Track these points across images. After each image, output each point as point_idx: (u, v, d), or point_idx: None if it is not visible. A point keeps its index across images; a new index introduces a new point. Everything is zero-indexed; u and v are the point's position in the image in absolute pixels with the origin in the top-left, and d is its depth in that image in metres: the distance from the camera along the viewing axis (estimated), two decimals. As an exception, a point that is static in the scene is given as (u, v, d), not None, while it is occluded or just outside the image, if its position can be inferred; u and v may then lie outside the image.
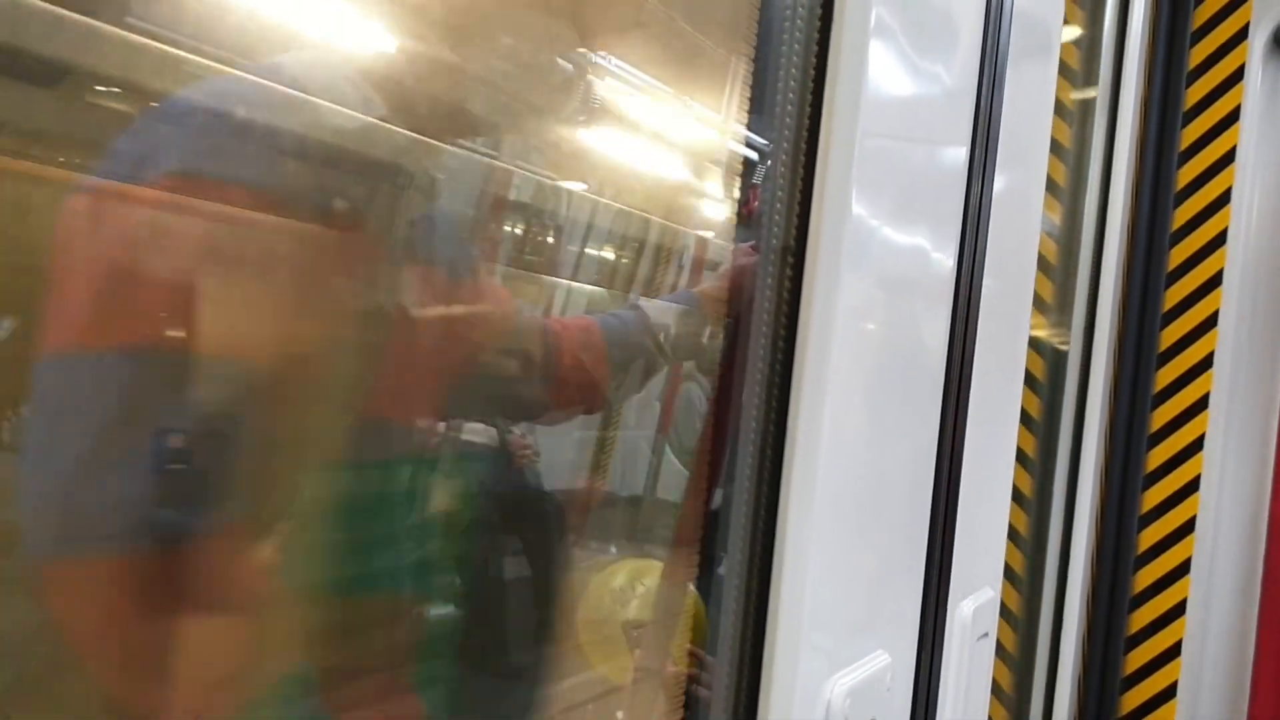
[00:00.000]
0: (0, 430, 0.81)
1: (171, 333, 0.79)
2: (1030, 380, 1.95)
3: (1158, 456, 2.05)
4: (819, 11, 0.78)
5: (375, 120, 0.92)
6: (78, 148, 0.83)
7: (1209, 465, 2.02)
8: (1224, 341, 2.02)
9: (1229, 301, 2.02)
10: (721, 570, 0.82)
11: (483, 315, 1.09)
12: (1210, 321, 2.02)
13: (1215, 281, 2.02)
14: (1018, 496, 1.94)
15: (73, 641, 0.79)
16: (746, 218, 1.06)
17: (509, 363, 1.13)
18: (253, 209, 0.82)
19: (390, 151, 0.94)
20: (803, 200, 0.78)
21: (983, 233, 1.03)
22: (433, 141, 0.97)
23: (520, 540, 1.10)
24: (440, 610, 1.04)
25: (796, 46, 0.78)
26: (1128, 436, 2.02)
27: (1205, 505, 2.02)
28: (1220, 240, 2.02)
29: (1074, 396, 2.01)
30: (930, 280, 0.97)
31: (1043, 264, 1.71)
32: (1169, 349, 2.05)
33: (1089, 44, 1.98)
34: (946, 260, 0.99)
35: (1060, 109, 1.74)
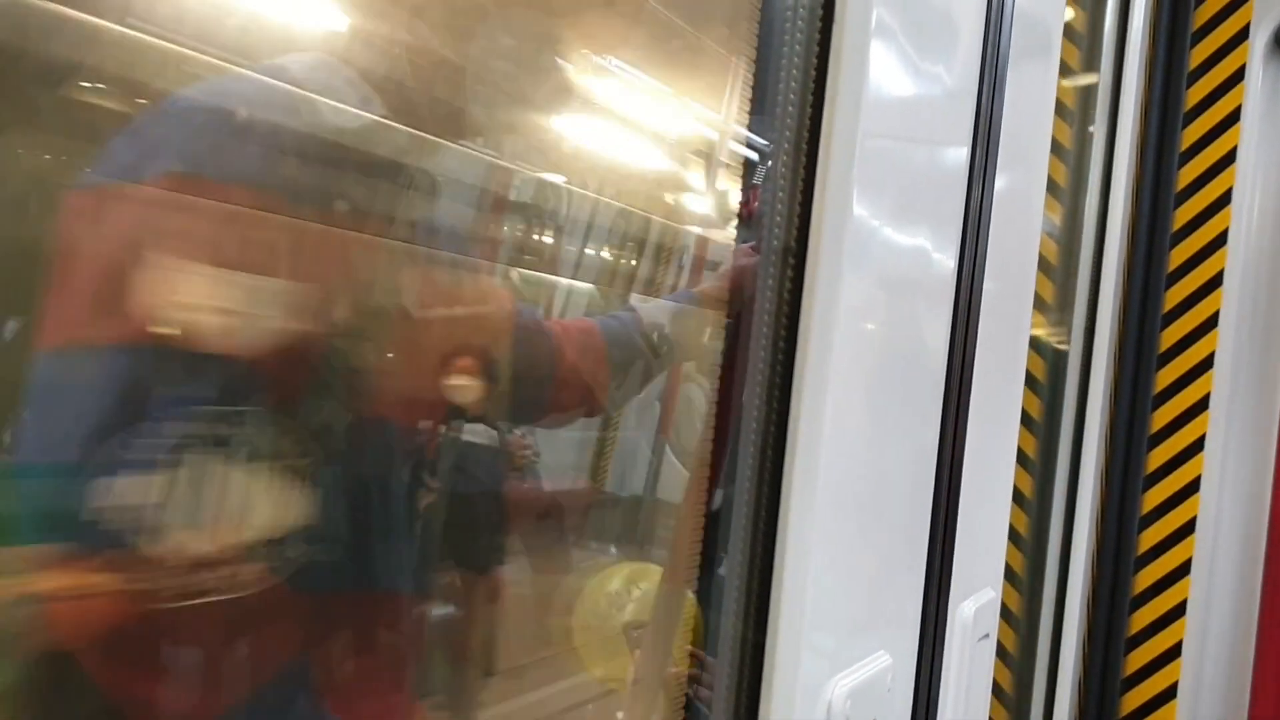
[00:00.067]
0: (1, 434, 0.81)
1: (169, 327, 0.79)
2: (1031, 381, 1.95)
3: (1158, 457, 2.05)
4: (820, 12, 0.78)
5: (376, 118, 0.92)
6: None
7: (1209, 466, 2.02)
8: (1225, 342, 2.02)
9: (1230, 302, 2.02)
10: (722, 571, 0.82)
11: (485, 316, 1.09)
12: (1211, 322, 2.02)
13: (1216, 282, 2.02)
14: (1018, 497, 1.94)
15: (67, 638, 0.79)
16: (747, 218, 1.06)
17: (511, 364, 1.12)
18: (251, 206, 0.82)
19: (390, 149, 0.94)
20: (804, 201, 0.78)
21: (984, 233, 1.03)
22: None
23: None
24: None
25: (797, 47, 0.78)
26: (1128, 437, 2.02)
27: (1206, 506, 2.02)
28: (1221, 241, 2.02)
29: (1074, 397, 2.01)
30: (931, 281, 0.97)
31: (1043, 264, 1.71)
32: (1169, 349, 2.05)
33: (1089, 44, 1.98)
34: (947, 261, 0.99)
35: (1061, 109, 1.74)
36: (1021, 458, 1.95)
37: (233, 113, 0.85)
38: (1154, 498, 2.05)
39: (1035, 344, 1.95)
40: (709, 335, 1.27)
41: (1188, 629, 2.01)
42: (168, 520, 0.81)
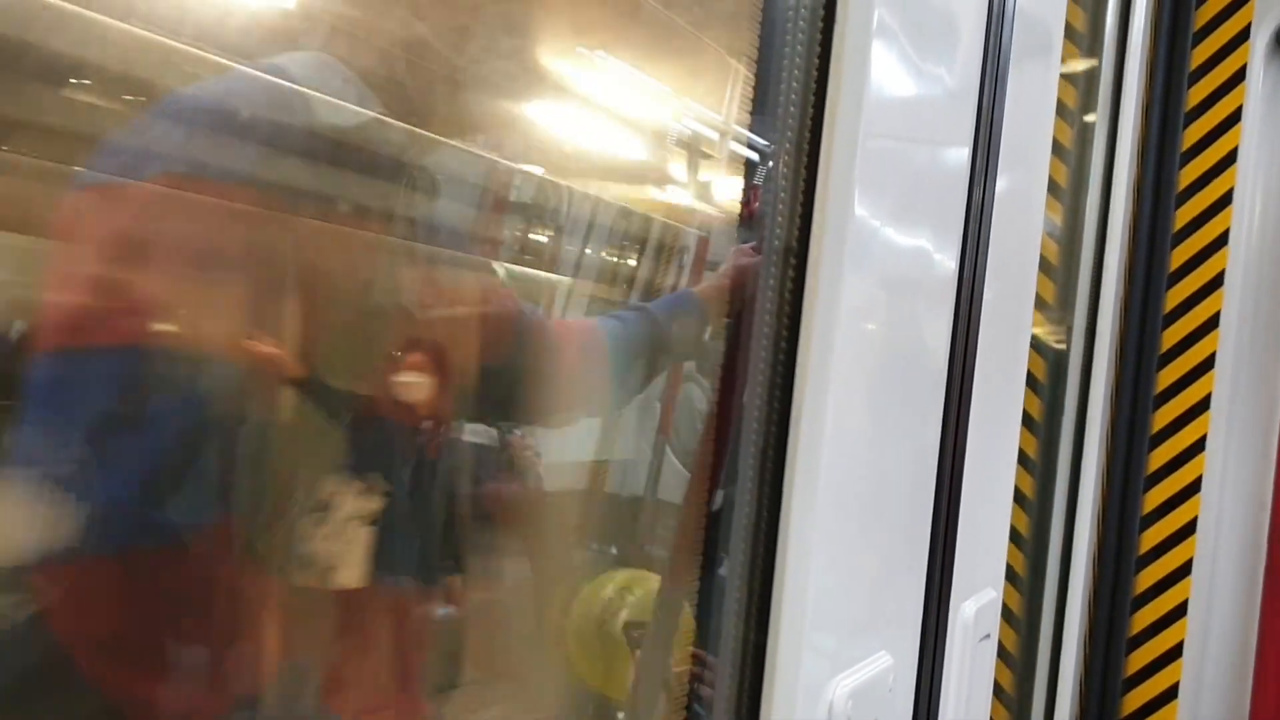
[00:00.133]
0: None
1: (167, 329, 0.79)
2: (1032, 381, 1.95)
3: (1159, 457, 2.05)
4: (821, 13, 0.78)
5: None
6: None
7: (1210, 466, 2.02)
8: (1225, 342, 2.02)
9: (1230, 302, 2.02)
10: (723, 571, 0.82)
11: (487, 315, 1.09)
12: (1212, 322, 2.02)
13: (1217, 282, 2.02)
14: (1019, 497, 1.94)
15: (68, 639, 0.79)
16: (748, 218, 1.06)
17: (512, 363, 1.12)
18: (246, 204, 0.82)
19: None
20: (805, 201, 0.78)
21: (985, 233, 1.03)
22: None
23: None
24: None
25: (799, 48, 0.78)
26: (1129, 437, 2.02)
27: (1207, 506, 2.02)
28: (1222, 241, 2.02)
29: (1075, 397, 2.01)
30: (932, 281, 0.97)
31: (1044, 265, 1.71)
32: (1170, 350, 2.05)
33: (1090, 45, 1.98)
34: (948, 261, 0.99)
35: (1062, 110, 1.74)
36: (1022, 458, 1.95)
37: (230, 112, 0.84)
38: (1155, 498, 2.05)
39: (1036, 344, 1.95)
40: (710, 335, 1.27)
41: (1189, 629, 2.01)
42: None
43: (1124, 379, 2.02)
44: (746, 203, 1.05)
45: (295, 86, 0.87)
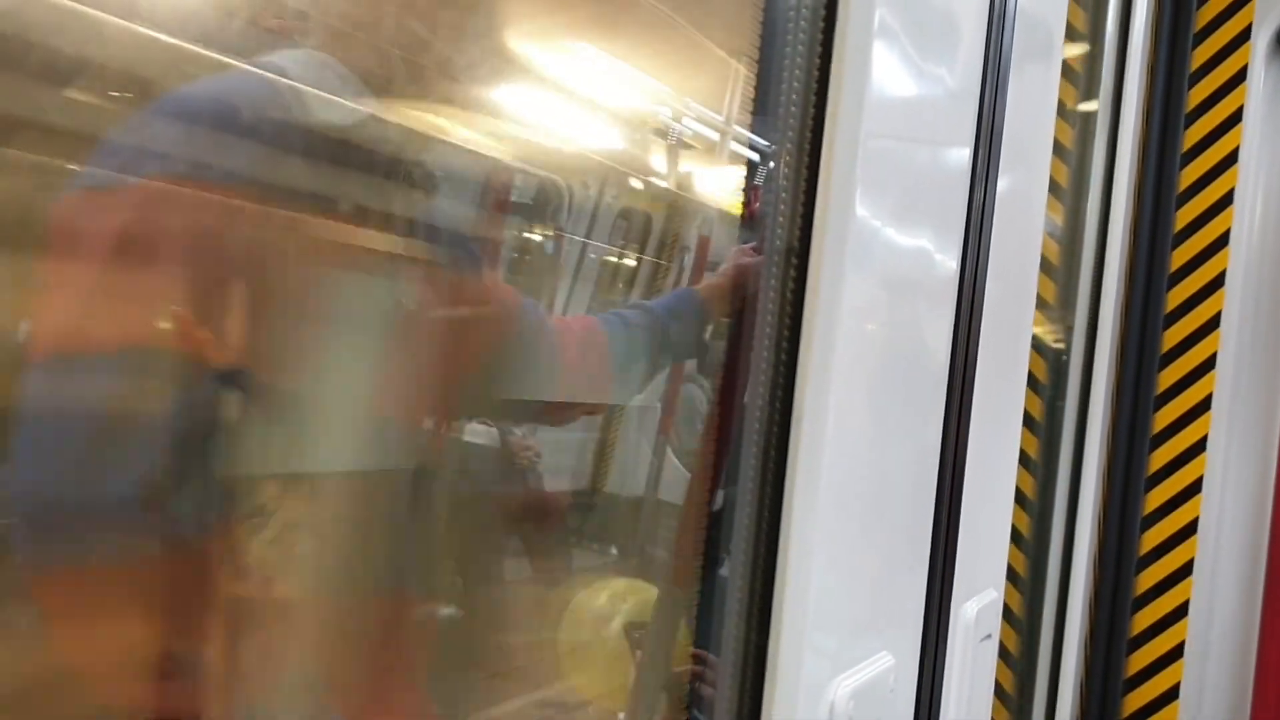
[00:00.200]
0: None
1: (164, 333, 0.78)
2: (1032, 381, 1.95)
3: (1160, 458, 2.05)
4: (822, 13, 0.78)
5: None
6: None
7: (1211, 466, 2.02)
8: (1226, 343, 2.02)
9: (1231, 303, 2.02)
10: (724, 571, 0.82)
11: (489, 313, 1.08)
12: (1213, 323, 2.02)
13: (1218, 283, 2.02)
14: (1020, 498, 1.94)
15: (65, 648, 0.79)
16: (749, 219, 1.06)
17: (514, 361, 1.12)
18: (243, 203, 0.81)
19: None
20: (806, 201, 0.78)
21: (986, 234, 1.03)
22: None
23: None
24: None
25: (800, 48, 0.78)
26: (1130, 438, 2.02)
27: (1208, 506, 2.02)
28: (1223, 241, 2.02)
29: (1076, 398, 2.01)
30: (933, 282, 0.97)
31: (1045, 265, 1.71)
32: (1171, 350, 2.05)
33: (1091, 45, 1.98)
34: (950, 262, 0.99)
35: (1063, 110, 1.74)
36: (1023, 458, 1.94)
37: (227, 113, 0.84)
38: (1156, 498, 2.05)
39: (1037, 344, 1.95)
40: (711, 334, 1.27)
41: (1190, 630, 2.01)
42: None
43: (1125, 379, 2.02)
44: (748, 203, 1.05)
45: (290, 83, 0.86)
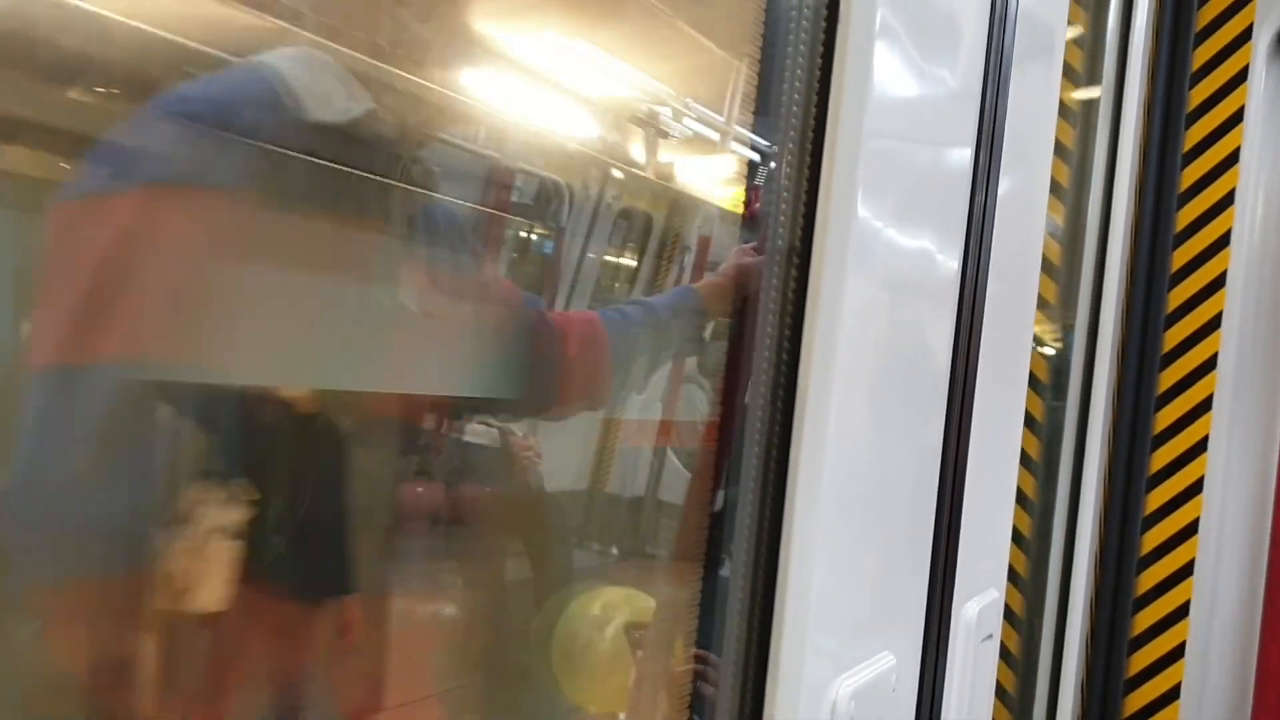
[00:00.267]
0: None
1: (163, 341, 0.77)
2: (1034, 382, 1.95)
3: (1161, 458, 2.05)
4: (824, 14, 0.78)
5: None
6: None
7: (1212, 467, 2.02)
8: (1227, 343, 2.01)
9: (1232, 303, 2.01)
10: (726, 572, 0.82)
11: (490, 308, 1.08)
12: (1214, 323, 2.02)
13: (1219, 283, 2.02)
14: (1021, 498, 1.94)
15: (62, 658, 0.78)
16: (750, 219, 1.06)
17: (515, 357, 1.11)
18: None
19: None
20: (808, 201, 0.78)
21: (987, 234, 1.03)
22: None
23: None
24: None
25: (802, 48, 0.78)
26: (1131, 438, 2.02)
27: (1209, 507, 2.02)
28: (1224, 242, 2.02)
29: (1077, 398, 2.01)
30: (935, 282, 0.97)
31: (1046, 265, 1.71)
32: (1172, 350, 2.05)
33: (1092, 45, 1.98)
34: (951, 262, 0.99)
35: (1064, 111, 1.74)
36: (1024, 459, 1.94)
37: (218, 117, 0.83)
38: (1157, 499, 2.05)
39: (1038, 344, 1.95)
40: (711, 333, 1.27)
41: (1190, 630, 2.01)
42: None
43: (1126, 379, 2.02)
44: (749, 203, 1.05)
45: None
